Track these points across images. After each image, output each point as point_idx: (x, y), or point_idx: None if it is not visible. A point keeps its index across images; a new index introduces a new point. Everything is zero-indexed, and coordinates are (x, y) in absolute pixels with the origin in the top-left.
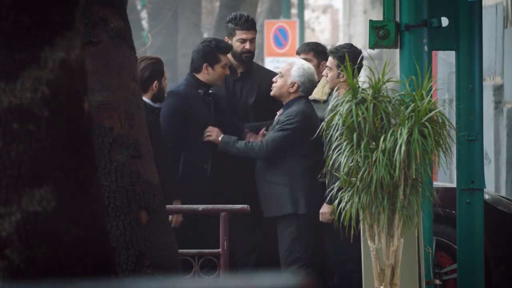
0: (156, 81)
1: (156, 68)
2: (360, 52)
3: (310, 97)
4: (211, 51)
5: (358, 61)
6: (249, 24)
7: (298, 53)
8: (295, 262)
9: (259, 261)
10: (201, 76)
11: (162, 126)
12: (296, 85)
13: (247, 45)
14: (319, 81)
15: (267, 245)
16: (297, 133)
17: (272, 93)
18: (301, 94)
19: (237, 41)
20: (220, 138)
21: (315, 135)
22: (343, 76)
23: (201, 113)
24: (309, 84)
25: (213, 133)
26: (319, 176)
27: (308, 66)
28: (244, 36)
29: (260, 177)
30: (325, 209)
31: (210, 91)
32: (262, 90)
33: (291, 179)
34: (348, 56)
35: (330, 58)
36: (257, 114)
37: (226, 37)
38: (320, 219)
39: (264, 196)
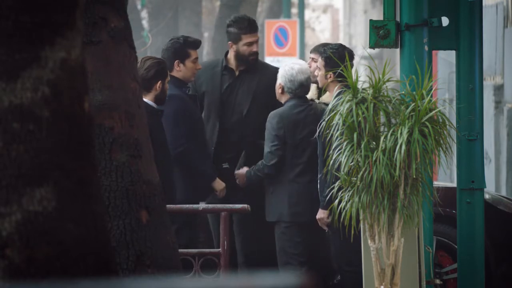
0: (160, 81)
1: (160, 68)
2: (350, 52)
3: (309, 97)
4: (180, 47)
5: (346, 61)
6: (254, 27)
7: (310, 51)
8: (288, 262)
9: (259, 261)
10: (174, 74)
11: (171, 130)
12: (281, 86)
13: (254, 48)
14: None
15: (267, 245)
16: (276, 139)
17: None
18: (290, 96)
19: (244, 45)
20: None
21: (315, 136)
22: (330, 76)
23: (196, 113)
24: (291, 84)
25: (240, 178)
26: (319, 175)
27: (291, 66)
28: (251, 39)
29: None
30: (321, 214)
31: (189, 90)
32: (259, 90)
33: (274, 186)
34: (335, 57)
35: (319, 58)
36: (252, 114)
37: (230, 42)
38: (320, 225)
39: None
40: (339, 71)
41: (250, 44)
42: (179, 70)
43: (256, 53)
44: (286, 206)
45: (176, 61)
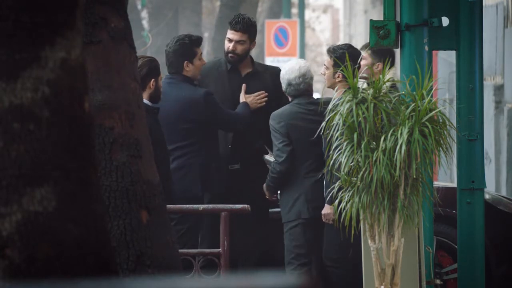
0: (153, 79)
1: (152, 66)
2: (358, 53)
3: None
4: (188, 47)
5: (356, 62)
6: (239, 26)
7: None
8: (292, 262)
9: (259, 261)
10: (184, 74)
11: (220, 109)
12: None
13: (231, 46)
14: None
15: (267, 245)
16: (281, 136)
17: None
18: (291, 96)
19: (226, 40)
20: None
21: (316, 135)
22: (338, 76)
23: None
24: (282, 83)
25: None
26: (320, 175)
27: (284, 66)
28: (230, 36)
29: None
30: (327, 210)
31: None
32: (266, 90)
33: (282, 187)
34: (343, 57)
35: (327, 58)
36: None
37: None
38: (324, 221)
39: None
40: (339, 71)
41: (229, 40)
42: (188, 70)
43: (233, 53)
44: (305, 203)
45: (185, 61)
